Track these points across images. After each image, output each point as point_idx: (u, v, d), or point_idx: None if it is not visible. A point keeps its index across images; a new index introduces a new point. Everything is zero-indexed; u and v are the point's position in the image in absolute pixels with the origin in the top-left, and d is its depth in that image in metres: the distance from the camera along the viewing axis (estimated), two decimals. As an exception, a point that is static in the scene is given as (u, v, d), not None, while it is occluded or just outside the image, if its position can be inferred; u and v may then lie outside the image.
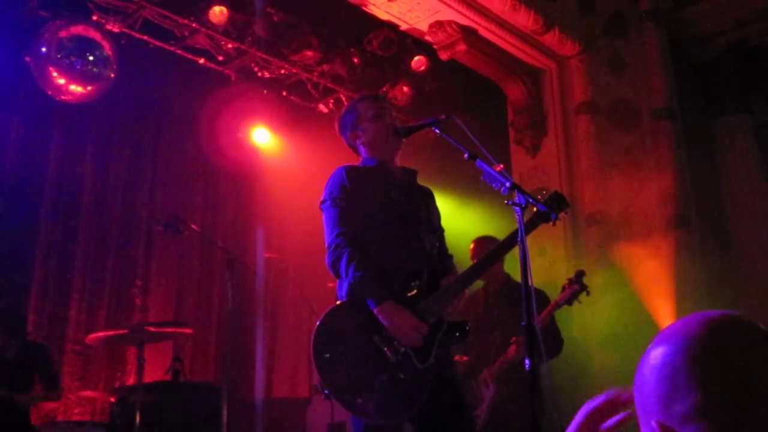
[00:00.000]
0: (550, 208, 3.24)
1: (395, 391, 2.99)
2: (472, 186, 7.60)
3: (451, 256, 3.55)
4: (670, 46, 7.50)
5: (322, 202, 3.37)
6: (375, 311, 3.05)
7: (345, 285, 3.13)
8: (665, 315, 6.74)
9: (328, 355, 2.99)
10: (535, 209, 3.32)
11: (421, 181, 3.68)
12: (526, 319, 2.62)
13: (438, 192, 3.64)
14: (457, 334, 3.20)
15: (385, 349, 3.01)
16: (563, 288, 4.79)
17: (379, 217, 3.29)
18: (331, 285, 3.37)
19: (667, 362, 0.98)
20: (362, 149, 3.55)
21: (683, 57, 7.64)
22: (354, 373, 2.96)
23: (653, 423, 0.97)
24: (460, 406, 3.25)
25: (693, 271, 6.89)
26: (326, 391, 2.94)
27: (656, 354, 1.00)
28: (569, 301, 4.77)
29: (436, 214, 3.58)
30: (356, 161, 3.59)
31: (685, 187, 7.16)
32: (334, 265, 3.18)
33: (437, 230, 3.52)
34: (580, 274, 4.82)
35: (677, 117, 7.30)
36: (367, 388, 2.95)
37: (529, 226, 2.96)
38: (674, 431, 0.95)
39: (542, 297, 4.85)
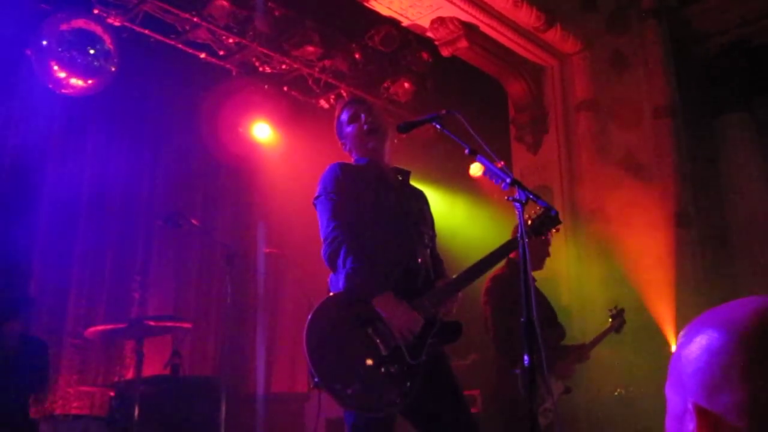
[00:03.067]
0: (542, 225, 3.30)
1: (386, 384, 2.99)
2: (467, 183, 7.62)
3: (441, 261, 3.55)
4: (672, 43, 7.48)
5: (316, 197, 3.38)
6: (373, 303, 3.05)
7: (341, 277, 3.12)
8: (665, 313, 6.74)
9: (320, 345, 2.99)
10: (529, 222, 3.36)
11: (418, 177, 3.69)
12: (526, 315, 2.62)
13: (434, 189, 3.65)
14: (450, 334, 3.21)
15: (378, 342, 3.02)
16: (611, 318, 5.39)
17: (371, 215, 3.30)
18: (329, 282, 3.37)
19: (720, 350, 0.97)
20: (352, 153, 3.61)
21: (685, 55, 7.63)
22: (345, 364, 2.96)
23: (689, 404, 0.97)
24: (454, 395, 3.26)
25: (693, 269, 6.89)
26: (316, 380, 2.94)
27: (708, 338, 0.99)
28: (618, 330, 5.37)
29: (429, 217, 3.58)
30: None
31: (686, 185, 7.15)
32: (332, 257, 3.18)
33: (429, 232, 3.52)
34: (621, 311, 5.43)
35: (678, 115, 7.29)
36: (358, 380, 2.96)
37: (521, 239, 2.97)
38: (711, 415, 0.95)
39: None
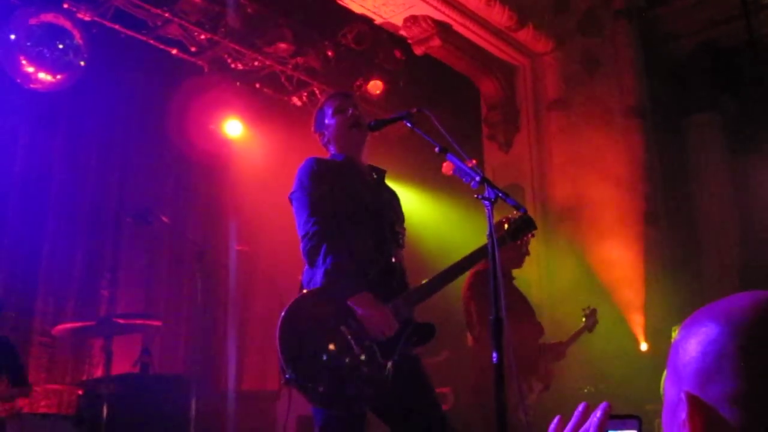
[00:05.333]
0: (519, 230, 3.33)
1: (357, 383, 2.99)
2: (443, 181, 7.64)
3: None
4: (642, 45, 7.56)
5: (292, 192, 3.35)
6: (350, 301, 3.04)
7: (319, 273, 3.11)
8: (634, 311, 6.81)
9: (292, 342, 2.98)
10: (506, 226, 3.38)
11: (393, 176, 3.69)
12: (494, 313, 2.63)
13: (409, 187, 3.66)
14: (424, 335, 3.22)
15: (352, 340, 3.01)
16: (585, 318, 5.48)
17: (347, 212, 3.29)
18: (301, 278, 3.35)
19: (715, 341, 0.97)
20: (330, 147, 3.57)
21: (655, 56, 7.71)
22: (317, 361, 2.96)
23: (683, 393, 0.98)
24: (426, 394, 3.26)
25: (661, 268, 6.97)
26: (287, 377, 2.93)
27: (704, 329, 1.00)
28: (591, 329, 5.48)
29: (400, 215, 3.58)
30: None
31: (655, 185, 7.23)
32: (311, 253, 3.15)
33: (403, 232, 3.52)
34: (594, 311, 5.52)
35: (648, 115, 7.37)
36: (330, 378, 2.95)
37: (499, 244, 2.98)
38: (702, 403, 0.95)
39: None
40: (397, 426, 3.25)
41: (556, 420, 1.14)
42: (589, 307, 5.57)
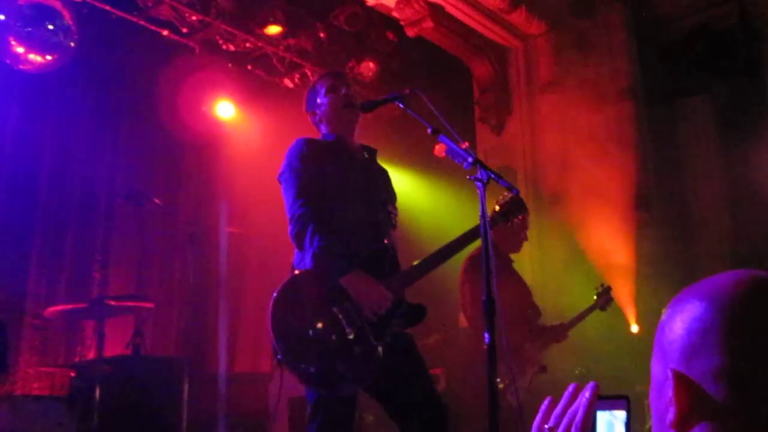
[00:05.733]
0: (509, 212, 3.35)
1: (348, 363, 3.00)
2: (435, 162, 7.64)
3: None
4: (635, 27, 7.55)
5: (281, 173, 3.34)
6: (341, 281, 3.04)
7: (308, 255, 3.11)
8: (625, 294, 6.84)
9: (284, 323, 2.99)
10: (497, 208, 3.39)
11: (385, 157, 3.68)
12: (486, 294, 2.64)
13: (401, 168, 3.66)
14: (415, 316, 3.23)
15: (343, 321, 3.02)
16: (596, 296, 5.52)
17: (339, 193, 3.28)
18: (292, 260, 3.35)
19: (700, 317, 0.98)
20: (321, 125, 3.56)
21: (647, 39, 7.70)
22: (309, 342, 2.97)
23: (669, 370, 0.98)
24: (420, 373, 3.28)
25: (653, 252, 6.99)
26: (279, 357, 2.93)
27: (691, 307, 1.01)
28: (603, 307, 5.53)
29: (393, 195, 3.58)
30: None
31: (647, 169, 7.24)
32: (298, 236, 3.16)
33: (395, 212, 3.52)
34: (608, 289, 5.56)
35: (641, 98, 7.37)
36: (322, 358, 2.96)
37: (491, 225, 3.01)
38: (688, 379, 0.96)
39: None
40: (391, 405, 3.27)
41: (546, 402, 1.14)
42: (602, 285, 5.57)
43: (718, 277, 1.04)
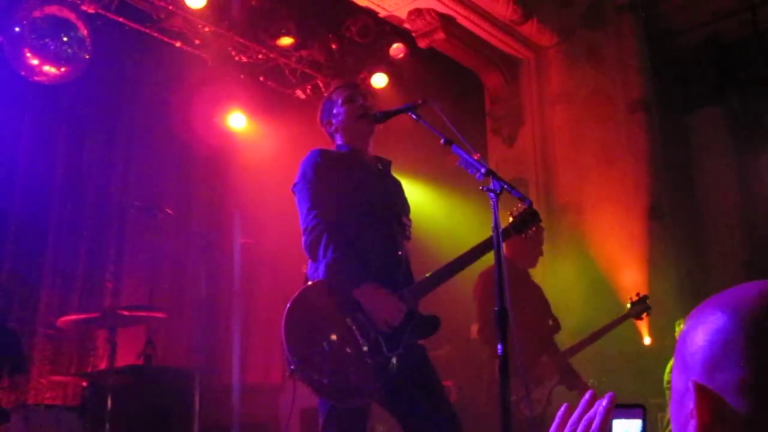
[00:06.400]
0: (522, 224, 3.32)
1: (362, 374, 2.99)
2: (446, 173, 7.64)
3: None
4: (647, 38, 7.54)
5: (295, 184, 3.34)
6: (354, 292, 3.04)
7: (322, 266, 3.10)
8: (638, 305, 6.80)
9: (297, 334, 2.98)
10: (510, 220, 3.38)
11: (397, 168, 3.68)
12: (499, 304, 2.63)
13: (414, 179, 3.66)
14: (428, 328, 3.22)
15: (357, 332, 3.01)
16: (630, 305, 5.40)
17: (353, 205, 3.27)
18: (305, 270, 3.35)
19: (723, 329, 0.97)
20: (336, 136, 3.55)
21: (659, 50, 7.69)
22: (322, 353, 2.96)
23: (690, 382, 0.97)
24: (433, 385, 3.26)
25: (666, 262, 6.96)
26: (292, 368, 2.93)
27: (713, 318, 0.99)
28: (638, 316, 5.42)
29: (406, 206, 3.57)
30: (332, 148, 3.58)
31: (660, 179, 7.22)
32: (312, 246, 3.15)
33: (409, 223, 3.51)
34: (644, 298, 5.41)
35: (652, 109, 7.36)
36: (335, 369, 2.95)
37: (504, 236, 3.00)
38: (710, 392, 0.95)
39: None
40: (404, 417, 3.25)
41: (563, 408, 1.14)
42: (638, 294, 5.51)
43: (741, 288, 1.03)
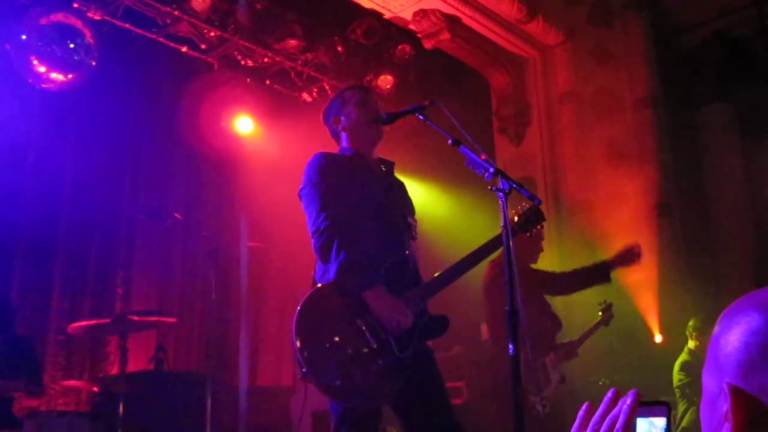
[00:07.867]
0: (528, 222, 3.32)
1: (373, 376, 2.99)
2: (454, 173, 7.64)
3: None
4: (653, 35, 7.52)
5: (301, 189, 3.33)
6: (364, 295, 3.04)
7: (333, 268, 3.10)
8: (648, 303, 6.79)
9: (308, 336, 2.98)
10: (515, 218, 3.37)
11: (404, 169, 3.68)
12: (510, 304, 2.63)
13: (421, 180, 3.66)
14: (437, 328, 3.22)
15: (367, 333, 3.01)
16: (601, 312, 5.49)
17: (358, 207, 3.27)
18: (313, 273, 3.35)
19: (759, 330, 0.95)
20: (343, 135, 3.53)
21: (666, 46, 7.67)
22: (333, 355, 2.96)
23: (724, 384, 0.96)
24: (438, 388, 3.26)
25: (675, 260, 6.94)
26: (304, 371, 2.92)
27: (747, 319, 0.97)
28: (607, 324, 5.48)
29: (411, 207, 3.57)
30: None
31: (668, 176, 7.20)
32: (323, 248, 3.14)
33: (415, 224, 3.51)
34: (610, 306, 5.52)
35: (660, 106, 7.34)
36: (346, 371, 2.95)
37: (511, 235, 2.99)
38: (746, 394, 0.93)
39: None
40: (408, 420, 3.25)
41: (584, 407, 1.12)
42: (605, 301, 5.54)
43: None
